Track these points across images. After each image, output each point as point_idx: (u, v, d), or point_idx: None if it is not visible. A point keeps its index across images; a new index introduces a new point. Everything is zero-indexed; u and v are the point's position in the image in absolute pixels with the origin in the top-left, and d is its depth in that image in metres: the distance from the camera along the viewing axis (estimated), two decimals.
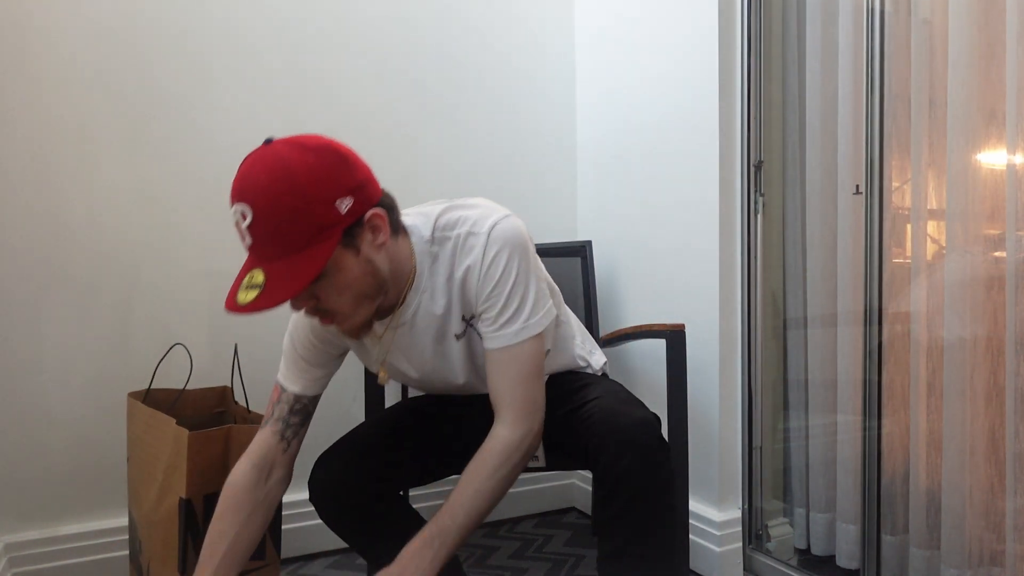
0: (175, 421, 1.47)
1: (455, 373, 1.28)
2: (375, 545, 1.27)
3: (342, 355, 1.31)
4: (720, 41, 1.75)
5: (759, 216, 1.80)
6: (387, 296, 1.16)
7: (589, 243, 2.06)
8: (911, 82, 1.53)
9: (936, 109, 1.49)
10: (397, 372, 1.30)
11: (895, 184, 1.59)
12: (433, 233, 1.19)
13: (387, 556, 1.25)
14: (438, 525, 1.08)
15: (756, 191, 1.79)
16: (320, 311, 1.09)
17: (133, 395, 1.64)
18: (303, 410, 1.28)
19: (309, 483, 1.24)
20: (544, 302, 1.20)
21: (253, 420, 1.63)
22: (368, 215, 1.09)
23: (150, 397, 1.64)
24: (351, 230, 1.07)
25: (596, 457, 1.13)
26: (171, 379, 1.72)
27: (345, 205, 1.05)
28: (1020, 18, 1.32)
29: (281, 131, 1.92)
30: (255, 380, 1.83)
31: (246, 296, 1.01)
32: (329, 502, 1.24)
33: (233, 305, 1.02)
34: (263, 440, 1.24)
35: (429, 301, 1.20)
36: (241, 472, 1.21)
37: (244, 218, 1.04)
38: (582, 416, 1.19)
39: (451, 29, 2.12)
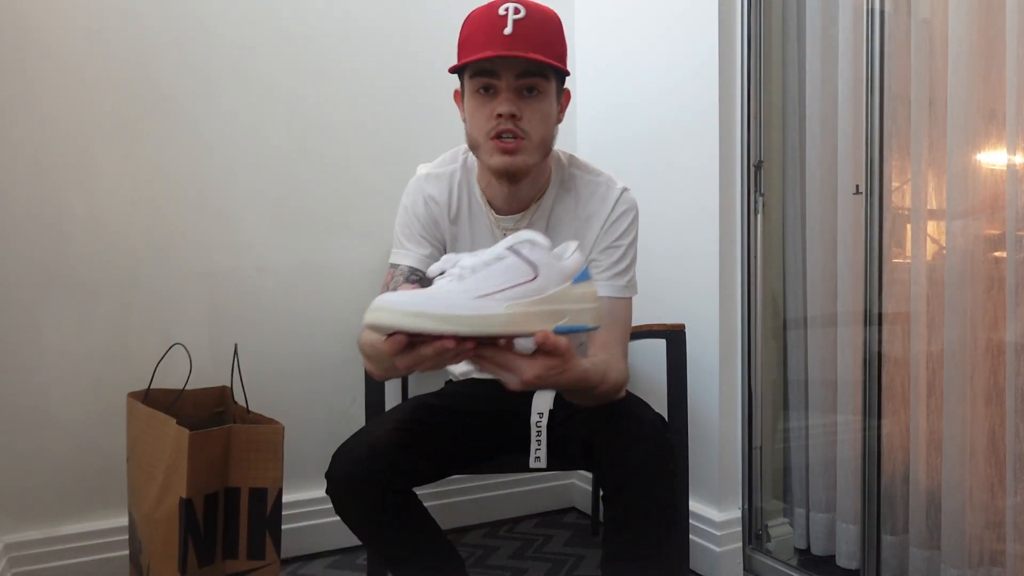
0: (175, 421, 1.47)
1: None
2: (387, 540, 1.26)
3: (442, 247, 1.34)
4: (720, 41, 1.75)
5: (759, 216, 1.80)
6: (526, 190, 1.26)
7: None
8: (911, 82, 1.53)
9: (936, 109, 1.50)
10: None
11: (895, 184, 1.59)
12: (568, 165, 1.31)
13: (398, 552, 1.24)
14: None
15: (756, 191, 1.79)
16: (515, 127, 1.16)
17: (133, 395, 1.64)
18: (418, 283, 1.30)
19: (327, 475, 1.23)
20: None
21: (253, 420, 1.63)
22: (566, 87, 1.25)
23: (150, 397, 1.64)
24: (562, 84, 1.23)
25: (602, 455, 1.13)
26: (170, 379, 1.71)
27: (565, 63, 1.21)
28: (1020, 18, 1.32)
29: (280, 131, 1.92)
30: (254, 380, 1.83)
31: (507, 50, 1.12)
32: (345, 495, 1.22)
33: (496, 49, 1.12)
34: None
35: (543, 222, 1.29)
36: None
37: (517, 12, 1.13)
38: (587, 416, 1.19)
39: (449, 31, 2.12)
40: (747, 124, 1.77)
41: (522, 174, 1.20)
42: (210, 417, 1.69)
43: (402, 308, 0.84)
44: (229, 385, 1.74)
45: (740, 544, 1.81)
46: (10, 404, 1.68)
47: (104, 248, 1.76)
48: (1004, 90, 1.36)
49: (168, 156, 1.81)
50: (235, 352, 1.77)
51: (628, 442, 1.11)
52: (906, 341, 1.58)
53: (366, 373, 1.55)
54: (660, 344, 1.60)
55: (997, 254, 1.41)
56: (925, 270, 1.54)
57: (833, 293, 1.73)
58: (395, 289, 1.25)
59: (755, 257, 1.80)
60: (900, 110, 1.56)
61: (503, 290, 0.88)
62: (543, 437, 1.28)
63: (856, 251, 1.64)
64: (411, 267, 1.31)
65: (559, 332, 0.88)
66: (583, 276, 0.94)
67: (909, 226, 1.57)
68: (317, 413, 1.96)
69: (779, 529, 1.85)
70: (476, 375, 1.48)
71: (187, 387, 1.69)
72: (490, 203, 1.29)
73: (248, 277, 1.90)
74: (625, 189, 1.30)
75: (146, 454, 1.54)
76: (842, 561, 1.72)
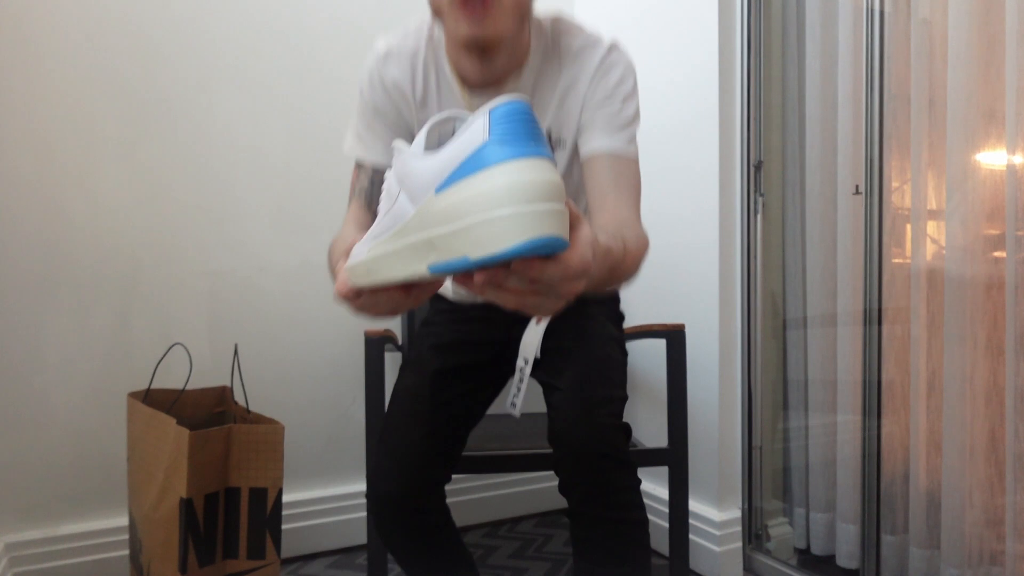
0: (175, 421, 1.47)
1: None
2: (420, 557, 1.23)
3: (409, 136, 1.14)
4: (720, 41, 1.75)
5: (759, 216, 1.80)
6: (501, 62, 1.06)
7: None
8: (911, 82, 1.53)
9: (936, 109, 1.50)
10: None
11: (895, 184, 1.59)
12: (551, 32, 1.13)
13: (427, 566, 1.21)
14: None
15: (756, 191, 1.79)
16: None
17: (133, 395, 1.64)
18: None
19: (368, 497, 1.19)
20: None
21: (253, 420, 1.63)
22: None
23: (150, 397, 1.64)
24: None
25: (556, 469, 1.09)
26: (171, 379, 1.72)
27: None
28: (1019, 18, 1.32)
29: (280, 131, 1.92)
30: (255, 380, 1.83)
31: None
32: (387, 518, 1.18)
33: None
34: (354, 215, 1.14)
35: (527, 96, 1.10)
36: (345, 233, 1.09)
37: None
38: (550, 403, 1.13)
39: None
40: (747, 124, 1.77)
41: (493, 44, 1.02)
42: (210, 417, 1.69)
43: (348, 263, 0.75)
44: (229, 385, 1.74)
45: (740, 544, 1.81)
46: (11, 404, 1.68)
47: (104, 248, 1.76)
48: (1003, 90, 1.36)
49: (168, 156, 1.82)
50: (235, 352, 1.77)
51: (579, 465, 1.05)
52: (906, 341, 1.58)
53: (366, 373, 1.56)
54: (660, 344, 1.60)
55: (996, 254, 1.41)
56: (925, 270, 1.54)
57: (833, 293, 1.73)
58: (363, 188, 1.14)
59: (755, 257, 1.80)
60: (900, 110, 1.56)
61: (378, 225, 0.68)
62: (524, 385, 1.19)
63: (856, 251, 1.64)
64: (376, 166, 1.15)
65: (434, 272, 0.58)
66: (475, 164, 0.54)
67: (909, 226, 1.57)
68: (317, 413, 1.96)
69: (779, 529, 1.85)
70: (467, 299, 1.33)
71: (187, 387, 1.69)
72: (462, 79, 1.10)
73: (248, 277, 1.90)
74: (614, 45, 1.14)
75: (146, 454, 1.54)
76: (842, 561, 1.72)
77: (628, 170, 1.10)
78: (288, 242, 1.93)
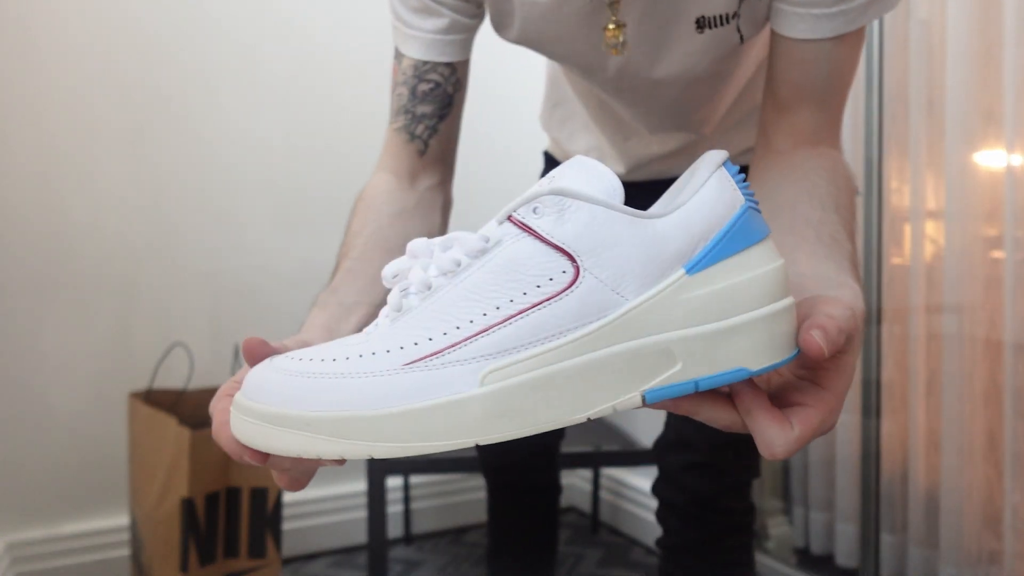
0: (176, 421, 1.47)
1: (655, 99, 0.84)
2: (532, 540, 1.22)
3: (477, 6, 0.80)
4: None
5: None
6: None
7: None
8: (909, 83, 1.53)
9: (934, 110, 1.50)
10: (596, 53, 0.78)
11: (894, 185, 1.59)
12: None
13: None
14: (828, 223, 0.63)
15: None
16: None
17: (134, 395, 1.65)
18: (433, 92, 0.82)
19: (483, 469, 1.18)
20: None
21: None
22: None
23: (151, 397, 1.65)
24: None
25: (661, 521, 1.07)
26: (172, 379, 1.72)
27: None
28: (1018, 19, 1.33)
29: (282, 130, 1.93)
30: None
31: None
32: (507, 500, 1.19)
33: None
34: (391, 143, 0.85)
35: None
36: (376, 179, 0.84)
37: None
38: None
39: None
40: None
41: None
42: (211, 417, 1.69)
43: (261, 408, 0.46)
44: None
45: None
46: (12, 404, 1.69)
47: (105, 248, 1.76)
48: (1002, 91, 1.36)
49: (169, 156, 1.82)
50: (236, 352, 1.77)
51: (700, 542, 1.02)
52: (905, 341, 1.59)
53: None
54: None
55: (995, 254, 1.41)
56: (924, 270, 1.54)
57: None
58: (401, 107, 0.83)
59: None
60: (899, 111, 1.56)
61: (483, 332, 0.40)
62: None
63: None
64: (417, 61, 0.82)
65: (653, 399, 0.41)
66: (743, 236, 0.41)
67: (908, 227, 1.57)
68: None
69: (778, 528, 1.85)
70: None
71: (188, 387, 1.70)
72: None
73: (250, 277, 1.90)
74: None
75: (147, 454, 1.55)
76: (841, 560, 1.73)
77: (845, 57, 0.73)
78: (290, 242, 1.94)
